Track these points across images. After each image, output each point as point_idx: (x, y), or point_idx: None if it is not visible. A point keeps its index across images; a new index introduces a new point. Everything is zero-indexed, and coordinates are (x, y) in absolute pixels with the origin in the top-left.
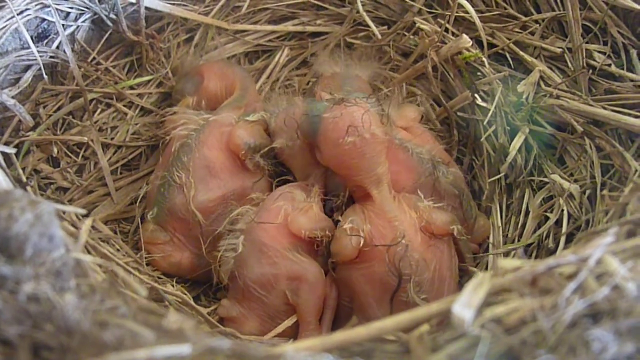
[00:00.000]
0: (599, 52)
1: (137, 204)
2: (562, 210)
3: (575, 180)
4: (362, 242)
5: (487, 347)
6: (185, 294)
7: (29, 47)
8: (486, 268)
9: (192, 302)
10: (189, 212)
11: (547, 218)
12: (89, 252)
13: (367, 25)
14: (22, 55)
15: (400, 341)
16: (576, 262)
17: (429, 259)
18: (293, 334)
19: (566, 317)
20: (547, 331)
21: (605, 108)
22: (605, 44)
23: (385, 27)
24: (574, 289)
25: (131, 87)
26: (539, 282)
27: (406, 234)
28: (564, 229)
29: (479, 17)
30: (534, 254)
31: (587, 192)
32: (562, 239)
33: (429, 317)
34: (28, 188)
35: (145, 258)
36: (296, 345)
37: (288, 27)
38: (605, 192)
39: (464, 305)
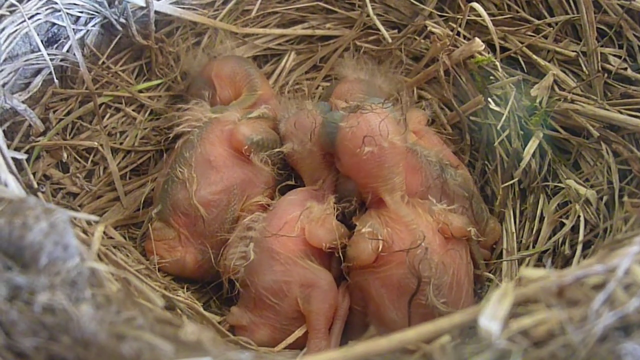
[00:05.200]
0: (615, 55)
1: (143, 209)
2: (579, 217)
3: (592, 186)
4: (380, 247)
5: None
6: (196, 303)
7: (39, 51)
8: (500, 275)
9: (202, 310)
10: (191, 206)
11: (562, 224)
12: (100, 260)
13: (377, 29)
14: (32, 59)
15: (422, 352)
16: (603, 272)
17: (448, 263)
18: (303, 343)
19: (596, 330)
20: (577, 345)
21: (621, 112)
22: (620, 47)
23: (396, 30)
24: (603, 301)
25: (140, 91)
26: (566, 293)
27: (425, 237)
28: (580, 236)
29: (491, 21)
30: (549, 261)
31: (605, 198)
32: (579, 246)
33: (451, 328)
34: (40, 194)
35: (157, 263)
36: (317, 357)
37: (297, 30)
38: (625, 198)
39: (491, 317)
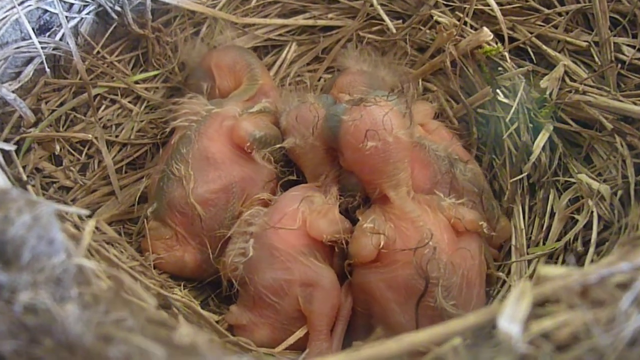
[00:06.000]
0: (628, 45)
1: (139, 204)
2: (592, 212)
3: (605, 181)
4: (382, 242)
5: None
6: (193, 301)
7: (30, 39)
8: (508, 273)
9: (199, 309)
10: (188, 205)
11: (573, 220)
12: (92, 256)
13: (381, 19)
14: (22, 47)
15: (434, 356)
16: (629, 271)
17: (457, 263)
18: (304, 344)
19: (626, 333)
20: (605, 349)
21: (636, 104)
22: (634, 37)
23: (400, 21)
24: (632, 301)
25: (136, 83)
26: (590, 293)
27: (433, 235)
28: (594, 233)
29: (500, 10)
30: (560, 258)
31: (619, 193)
32: (593, 244)
33: (464, 329)
34: (29, 187)
35: (152, 261)
36: None
37: (299, 21)
38: None
39: (510, 319)
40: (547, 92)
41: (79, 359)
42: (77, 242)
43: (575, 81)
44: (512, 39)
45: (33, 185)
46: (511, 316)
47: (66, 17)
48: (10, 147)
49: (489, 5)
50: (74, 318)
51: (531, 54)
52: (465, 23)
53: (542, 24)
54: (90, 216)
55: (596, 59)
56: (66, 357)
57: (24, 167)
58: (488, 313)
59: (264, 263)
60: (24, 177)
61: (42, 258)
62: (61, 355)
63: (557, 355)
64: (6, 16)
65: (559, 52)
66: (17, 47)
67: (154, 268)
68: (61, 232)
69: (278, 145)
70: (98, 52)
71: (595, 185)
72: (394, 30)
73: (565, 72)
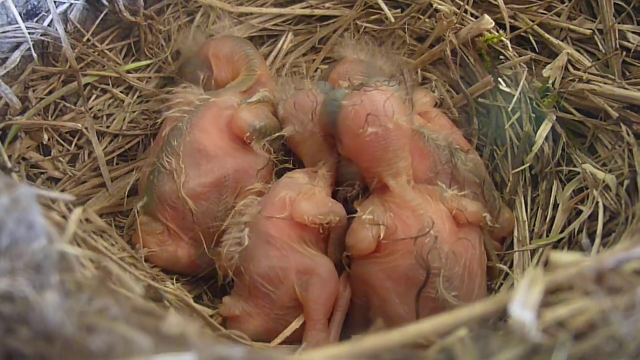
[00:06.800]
0: (634, 32)
1: (127, 198)
2: (597, 203)
3: (610, 171)
4: (382, 234)
5: (562, 357)
6: (186, 295)
7: (17, 24)
8: (511, 266)
9: (192, 302)
10: (179, 199)
11: (578, 212)
12: (78, 246)
13: (380, 8)
14: (9, 32)
15: (440, 347)
16: None
17: (459, 253)
18: (301, 337)
19: None
20: (625, 337)
21: None
22: None
23: (399, 10)
24: None
25: (128, 72)
26: (606, 280)
27: (434, 224)
28: (600, 223)
29: None
30: (565, 250)
31: (625, 183)
32: (599, 234)
33: (472, 319)
34: (14, 175)
35: (144, 254)
36: (320, 353)
37: (295, 10)
38: None
39: (522, 306)
40: (550, 82)
41: (57, 350)
42: (61, 230)
43: (579, 70)
44: (513, 28)
45: (18, 174)
46: (523, 304)
47: (55, 2)
48: None
49: None
50: (54, 307)
51: (533, 42)
52: (465, 11)
53: (544, 12)
54: (77, 204)
55: (600, 47)
56: (44, 347)
57: (9, 157)
58: (496, 302)
59: (259, 252)
60: (9, 165)
61: (21, 243)
62: (39, 346)
63: (574, 345)
64: None
65: (562, 41)
66: (4, 32)
67: (146, 261)
68: (42, 217)
69: (277, 134)
70: (88, 40)
71: (600, 175)
72: (393, 20)
73: (569, 61)
